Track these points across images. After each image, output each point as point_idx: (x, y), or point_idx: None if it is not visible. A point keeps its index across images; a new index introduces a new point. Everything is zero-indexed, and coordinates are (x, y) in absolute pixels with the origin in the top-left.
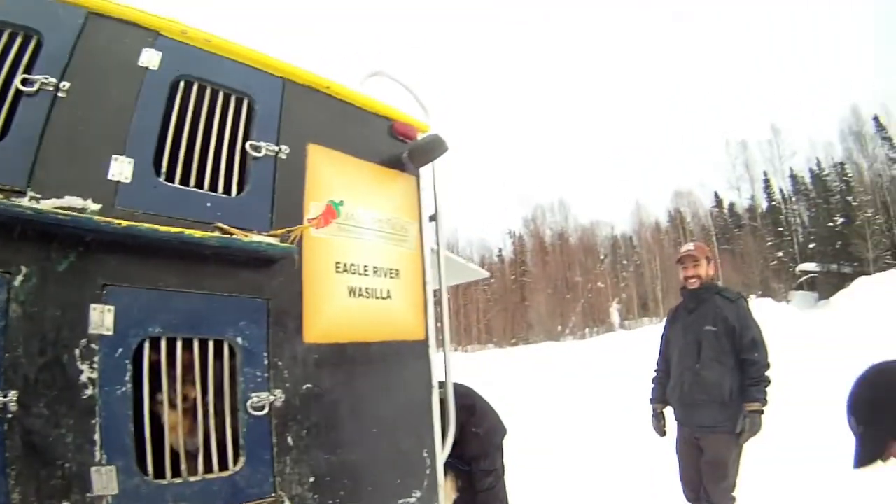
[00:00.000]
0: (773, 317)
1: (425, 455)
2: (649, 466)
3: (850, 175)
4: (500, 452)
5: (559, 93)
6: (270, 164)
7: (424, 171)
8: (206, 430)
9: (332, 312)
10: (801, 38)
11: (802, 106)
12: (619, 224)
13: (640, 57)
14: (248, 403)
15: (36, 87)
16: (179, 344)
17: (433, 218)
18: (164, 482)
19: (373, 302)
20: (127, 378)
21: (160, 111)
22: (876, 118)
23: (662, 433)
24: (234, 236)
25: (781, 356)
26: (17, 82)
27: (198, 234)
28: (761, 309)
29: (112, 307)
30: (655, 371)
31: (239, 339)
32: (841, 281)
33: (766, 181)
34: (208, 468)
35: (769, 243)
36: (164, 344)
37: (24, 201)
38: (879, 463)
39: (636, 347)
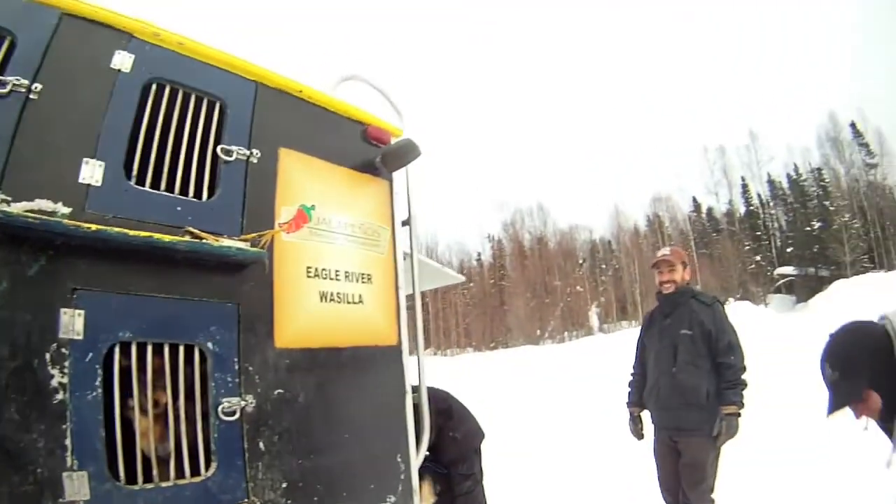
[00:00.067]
0: (752, 320)
1: (399, 460)
2: (628, 470)
3: (827, 180)
4: (479, 456)
5: (537, 97)
6: (241, 168)
7: (398, 175)
8: (178, 436)
9: (304, 317)
10: (778, 45)
11: (780, 112)
12: (598, 228)
13: (618, 61)
14: (220, 409)
15: (8, 88)
16: (150, 349)
17: (406, 222)
18: (135, 488)
19: (344, 307)
20: (98, 383)
21: (132, 114)
22: (853, 124)
23: (640, 437)
24: (204, 241)
25: (760, 359)
26: None
27: (167, 238)
28: (740, 312)
29: (82, 311)
30: (632, 375)
31: (210, 344)
32: (818, 284)
33: (744, 186)
34: (180, 474)
35: (747, 247)
36: (134, 349)
37: None
38: (851, 417)
39: (615, 350)
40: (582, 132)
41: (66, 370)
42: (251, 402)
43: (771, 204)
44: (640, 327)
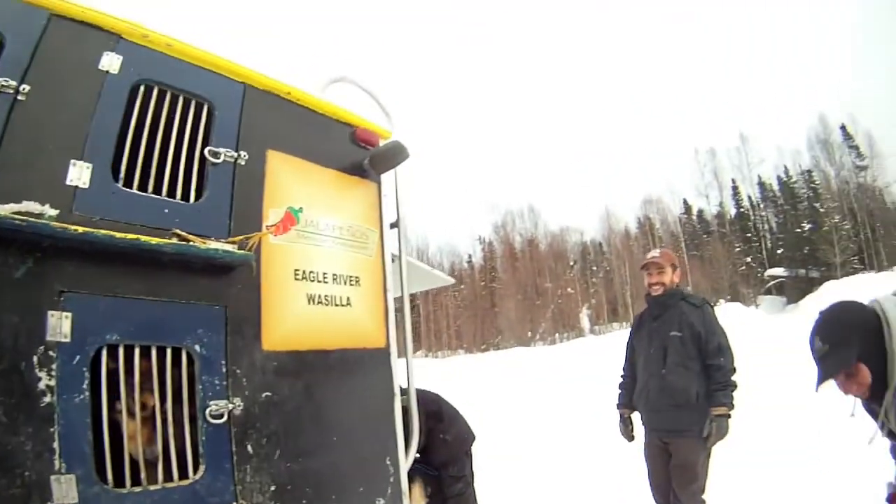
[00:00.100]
0: (743, 321)
1: (388, 463)
2: (619, 471)
3: (817, 182)
4: (469, 458)
5: (528, 99)
6: (229, 170)
7: (386, 177)
8: (165, 439)
9: (291, 320)
10: (769, 47)
11: (770, 114)
12: (589, 230)
13: (609, 63)
14: (207, 411)
15: None
16: (137, 351)
17: (395, 225)
18: (123, 491)
19: (332, 309)
20: (85, 386)
21: (119, 116)
22: (843, 127)
23: (630, 438)
24: (191, 243)
25: (750, 360)
26: None
27: (154, 240)
28: (730, 313)
29: (69, 314)
30: (622, 377)
31: (197, 347)
32: (809, 285)
33: (735, 188)
34: (168, 477)
35: (738, 249)
36: (121, 351)
37: None
38: (839, 393)
39: (606, 352)
40: (572, 134)
41: (53, 373)
42: (239, 405)
43: (761, 206)
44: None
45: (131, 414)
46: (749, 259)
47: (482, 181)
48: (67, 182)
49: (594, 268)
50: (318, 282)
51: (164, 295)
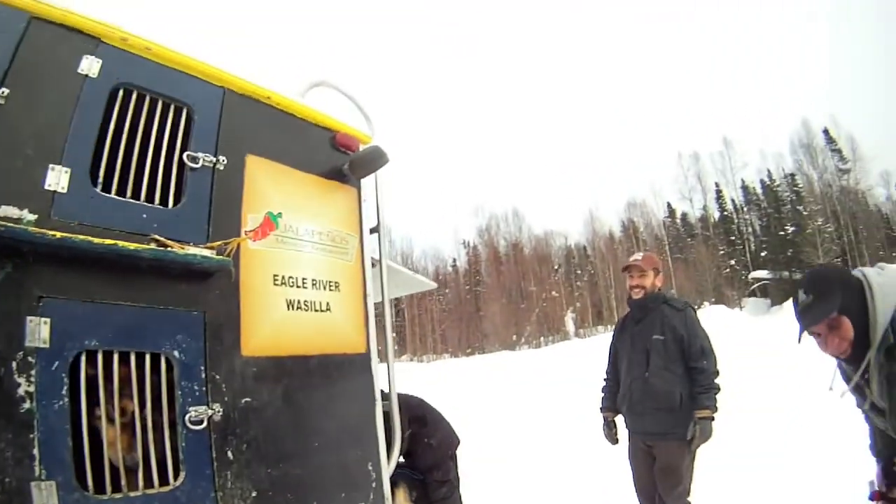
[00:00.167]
0: (727, 323)
1: (370, 468)
2: (604, 474)
3: (800, 186)
4: (455, 462)
5: (512, 104)
6: (208, 175)
7: (367, 182)
8: (146, 445)
9: (271, 325)
10: (752, 52)
11: (754, 119)
12: (573, 234)
13: (594, 68)
14: (187, 417)
15: None
16: (116, 357)
17: (375, 230)
18: (104, 497)
19: (312, 315)
20: (64, 392)
21: (98, 120)
22: (826, 131)
23: (614, 441)
24: (170, 249)
25: (734, 363)
26: None
27: (132, 246)
28: (715, 316)
29: (48, 319)
30: (605, 380)
31: (176, 353)
32: (793, 287)
33: (718, 192)
34: (149, 483)
35: (721, 252)
36: (100, 357)
37: None
38: (818, 348)
39: (591, 355)
40: (557, 138)
41: (32, 379)
42: (218, 411)
43: (745, 209)
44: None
45: (111, 420)
46: (733, 262)
47: (466, 185)
48: (46, 187)
49: (579, 271)
50: (298, 287)
51: (142, 300)
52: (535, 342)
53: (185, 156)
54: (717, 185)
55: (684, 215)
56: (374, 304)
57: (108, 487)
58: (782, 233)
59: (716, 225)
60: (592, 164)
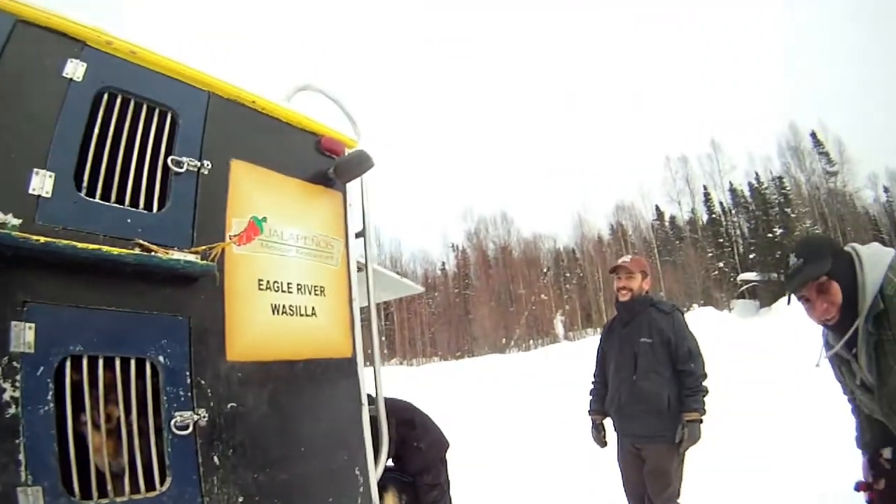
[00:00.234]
0: (716, 325)
1: (357, 473)
2: (594, 477)
3: (788, 188)
4: (445, 466)
5: (500, 106)
6: (192, 179)
7: (353, 186)
8: (132, 450)
9: (256, 330)
10: (739, 55)
11: (741, 122)
12: (562, 237)
13: (582, 71)
14: (173, 423)
15: None
16: (101, 362)
17: (361, 234)
18: (90, 502)
19: (297, 320)
20: (50, 397)
21: (83, 124)
22: (813, 134)
23: (603, 444)
24: (154, 253)
25: (723, 366)
26: None
27: (116, 250)
28: (704, 318)
29: (33, 324)
30: (593, 383)
31: (161, 358)
32: (781, 289)
33: (707, 195)
34: (135, 489)
35: (710, 254)
36: (85, 362)
37: None
38: (806, 314)
39: (581, 358)
40: (545, 141)
41: (17, 384)
42: (204, 416)
43: (733, 212)
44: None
45: (96, 426)
46: (721, 264)
47: (455, 189)
48: (30, 191)
49: (567, 274)
50: (283, 292)
51: (127, 305)
52: (524, 345)
53: (169, 160)
54: (705, 187)
55: (673, 218)
56: (361, 308)
57: (95, 493)
58: (770, 235)
59: (704, 227)
60: (580, 167)
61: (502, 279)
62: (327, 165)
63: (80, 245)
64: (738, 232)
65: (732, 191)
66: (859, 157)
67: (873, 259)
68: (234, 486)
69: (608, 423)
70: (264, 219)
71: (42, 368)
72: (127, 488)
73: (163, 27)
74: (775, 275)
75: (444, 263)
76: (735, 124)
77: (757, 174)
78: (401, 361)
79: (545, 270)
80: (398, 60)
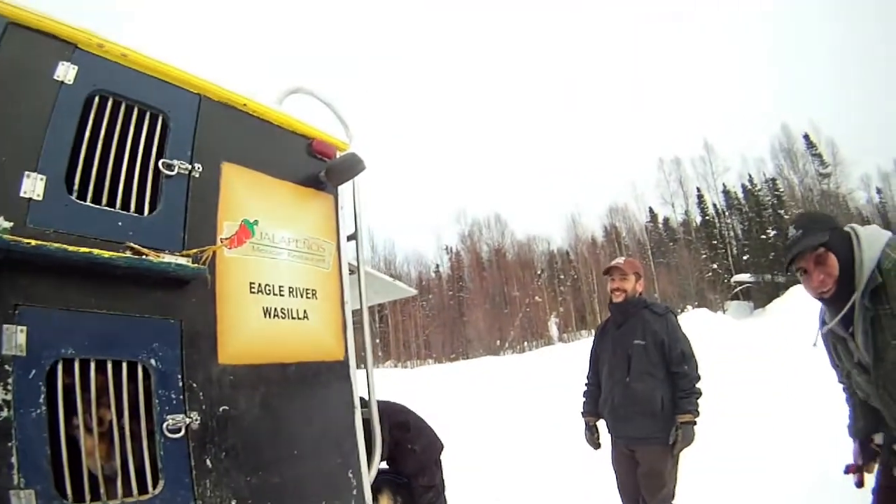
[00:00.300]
0: (710, 327)
1: (350, 475)
2: (588, 479)
3: (781, 190)
4: (439, 468)
5: (493, 109)
6: (183, 182)
7: (344, 189)
8: (124, 454)
9: (247, 333)
10: (732, 57)
11: (734, 124)
12: (556, 239)
13: (575, 73)
14: (165, 426)
15: None
16: (93, 366)
17: (352, 237)
18: None
19: (289, 323)
20: (42, 400)
21: (74, 127)
22: (806, 136)
23: (597, 446)
24: (145, 256)
25: (717, 367)
26: None
27: (107, 254)
28: (698, 319)
29: (24, 327)
30: (586, 385)
31: (152, 361)
32: (775, 290)
33: (700, 196)
34: (128, 492)
35: (704, 256)
36: (77, 366)
37: None
38: (805, 285)
39: (575, 360)
40: (538, 142)
41: (9, 387)
42: (196, 419)
43: (726, 213)
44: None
45: (89, 429)
46: (715, 265)
47: (448, 191)
48: (21, 194)
49: (562, 276)
50: (274, 295)
51: (118, 309)
52: (518, 347)
53: (160, 163)
54: (698, 189)
55: (666, 220)
56: (354, 311)
57: (88, 496)
58: (764, 237)
59: (698, 229)
60: (574, 168)
61: (496, 281)
62: (319, 168)
63: (71, 248)
64: (732, 233)
65: (726, 192)
66: (852, 158)
67: (871, 237)
68: (227, 489)
69: (602, 424)
70: (255, 222)
71: (34, 371)
72: (119, 491)
73: (162, 28)
74: (769, 276)
75: (438, 265)
76: (728, 126)
77: (750, 176)
78: (395, 364)
79: (539, 272)
80: (391, 62)
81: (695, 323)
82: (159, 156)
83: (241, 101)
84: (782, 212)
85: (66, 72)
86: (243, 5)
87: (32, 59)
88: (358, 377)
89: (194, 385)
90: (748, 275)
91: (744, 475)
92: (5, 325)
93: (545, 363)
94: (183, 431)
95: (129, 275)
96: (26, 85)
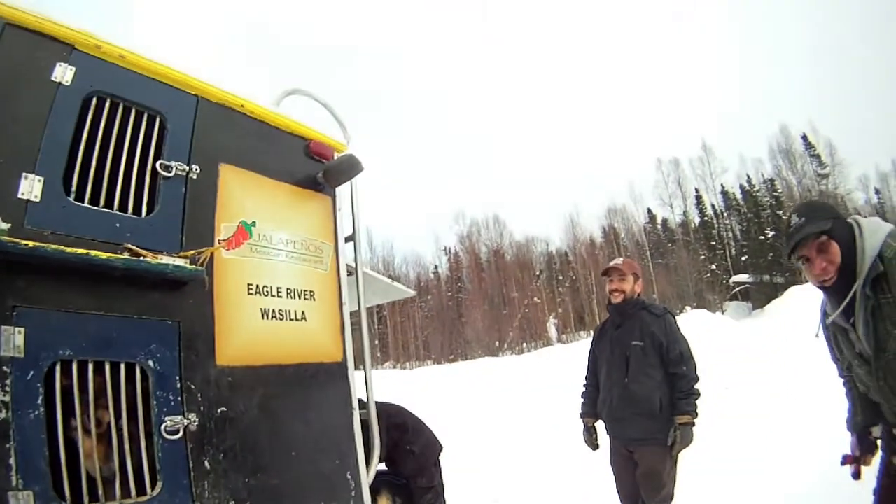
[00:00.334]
0: (709, 327)
1: (349, 477)
2: (587, 480)
3: (779, 191)
4: (438, 469)
5: (492, 110)
6: (181, 184)
7: (342, 190)
8: (122, 455)
9: (245, 335)
10: (731, 58)
11: (733, 125)
12: (554, 240)
13: (574, 73)
14: (163, 427)
15: None
16: (91, 367)
17: (350, 238)
18: None
19: (287, 324)
20: (40, 402)
21: (71, 128)
22: (804, 136)
23: (595, 447)
24: (142, 258)
25: (716, 368)
26: None
27: (104, 255)
28: (696, 320)
29: (22, 329)
30: (584, 386)
31: (150, 363)
32: (773, 290)
33: (698, 197)
34: (126, 493)
35: (702, 257)
36: (75, 367)
37: None
38: (807, 273)
39: (574, 361)
40: (537, 143)
41: (7, 388)
42: (194, 421)
43: (725, 214)
44: (592, 338)
45: (87, 430)
46: (714, 266)
47: (447, 192)
48: (19, 195)
49: (560, 277)
50: (272, 296)
51: (116, 310)
52: (517, 348)
53: (158, 164)
54: (697, 190)
55: (665, 221)
56: (352, 312)
57: (86, 497)
58: (762, 237)
59: (696, 230)
60: (572, 169)
61: (495, 282)
62: (316, 170)
63: (68, 250)
64: (731, 234)
65: (724, 193)
66: (850, 159)
67: (873, 227)
68: (225, 490)
69: (600, 425)
70: (253, 223)
71: (32, 373)
72: (118, 493)
73: (162, 28)
74: (767, 277)
75: (436, 266)
76: (726, 127)
77: (748, 176)
78: (394, 365)
79: (538, 273)
80: (390, 62)
81: (693, 324)
82: (157, 157)
83: (239, 102)
84: (781, 212)
85: (63, 73)
86: (243, 5)
87: (30, 60)
88: (356, 378)
89: (192, 386)
90: (747, 275)
91: (742, 476)
92: (3, 327)
93: (544, 364)
94: (181, 433)
95: (127, 276)
96: (24, 86)
